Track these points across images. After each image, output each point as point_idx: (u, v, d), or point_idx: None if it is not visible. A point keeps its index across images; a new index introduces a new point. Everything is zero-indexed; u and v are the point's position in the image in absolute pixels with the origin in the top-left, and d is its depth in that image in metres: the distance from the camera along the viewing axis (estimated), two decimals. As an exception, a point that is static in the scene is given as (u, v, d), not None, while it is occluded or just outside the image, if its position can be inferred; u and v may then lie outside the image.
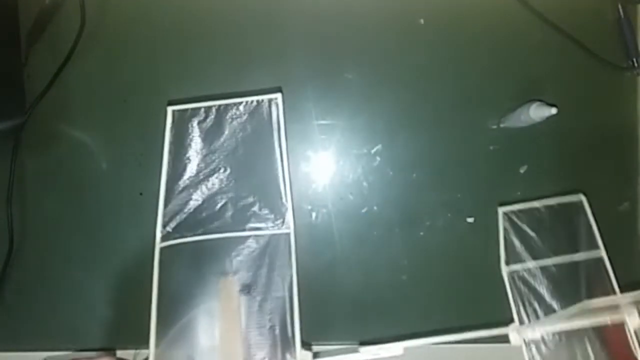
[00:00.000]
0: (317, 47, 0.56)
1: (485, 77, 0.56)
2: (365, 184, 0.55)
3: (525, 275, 0.46)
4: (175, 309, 0.44)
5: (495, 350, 0.53)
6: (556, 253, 0.45)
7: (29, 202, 0.54)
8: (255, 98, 0.48)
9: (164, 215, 0.47)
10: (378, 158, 0.56)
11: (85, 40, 0.53)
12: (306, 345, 0.43)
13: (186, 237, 0.46)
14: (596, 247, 0.44)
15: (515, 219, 0.48)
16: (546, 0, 0.56)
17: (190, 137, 0.48)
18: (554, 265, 0.45)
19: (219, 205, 0.47)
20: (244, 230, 0.47)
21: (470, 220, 0.56)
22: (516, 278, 0.45)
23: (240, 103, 0.48)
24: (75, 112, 0.55)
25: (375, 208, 0.55)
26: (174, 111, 0.48)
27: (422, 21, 0.56)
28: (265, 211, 0.47)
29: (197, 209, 0.47)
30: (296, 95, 0.55)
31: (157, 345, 0.43)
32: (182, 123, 0.48)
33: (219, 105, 0.48)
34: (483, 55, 0.56)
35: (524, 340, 0.41)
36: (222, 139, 0.48)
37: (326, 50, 0.56)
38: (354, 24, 0.56)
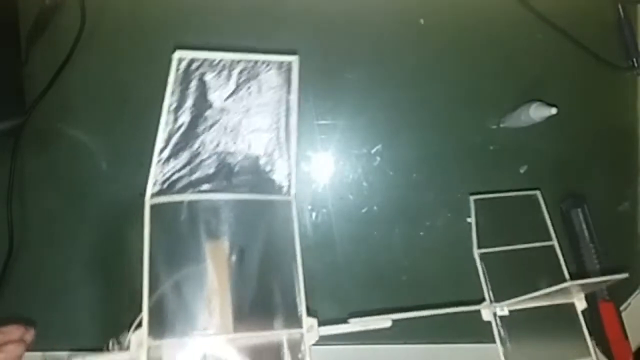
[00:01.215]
0: (317, 47, 0.55)
1: (485, 77, 0.56)
2: (365, 184, 0.55)
3: (494, 257, 0.51)
4: (163, 271, 0.41)
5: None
6: (520, 240, 0.51)
7: (29, 202, 0.54)
8: (269, 58, 0.44)
9: (158, 171, 0.44)
10: (378, 158, 0.56)
11: (85, 40, 0.53)
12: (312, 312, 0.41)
13: (180, 195, 0.43)
14: (550, 238, 0.51)
15: (486, 207, 0.53)
16: (546, 0, 0.56)
17: (195, 89, 0.43)
18: (518, 251, 0.50)
19: (217, 165, 0.44)
20: (242, 193, 0.44)
21: (470, 220, 0.55)
22: (487, 260, 0.51)
23: (254, 61, 0.43)
24: (75, 112, 0.55)
25: (375, 208, 0.55)
26: (180, 58, 0.43)
27: (422, 21, 0.56)
28: (267, 175, 0.44)
29: (195, 166, 0.44)
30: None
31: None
32: (187, 73, 0.43)
33: (231, 60, 0.44)
34: (483, 55, 0.56)
35: (494, 316, 0.46)
36: (229, 96, 0.44)
37: (326, 50, 0.55)
38: (354, 23, 0.56)
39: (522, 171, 0.56)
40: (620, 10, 0.56)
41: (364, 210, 0.55)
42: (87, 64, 0.54)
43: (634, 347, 0.54)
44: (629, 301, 0.56)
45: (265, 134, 0.44)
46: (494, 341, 0.46)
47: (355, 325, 0.43)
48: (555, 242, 0.51)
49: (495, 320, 0.46)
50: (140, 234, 0.52)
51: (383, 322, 0.43)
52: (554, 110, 0.48)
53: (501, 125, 0.56)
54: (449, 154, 0.56)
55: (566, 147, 0.56)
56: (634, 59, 0.56)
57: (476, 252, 0.51)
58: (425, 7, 0.56)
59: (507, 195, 0.53)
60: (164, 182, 0.44)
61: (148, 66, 0.55)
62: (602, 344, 0.54)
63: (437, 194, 0.56)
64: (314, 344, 0.39)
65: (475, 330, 0.55)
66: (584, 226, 0.54)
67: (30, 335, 0.44)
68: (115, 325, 0.53)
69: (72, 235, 0.54)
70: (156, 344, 0.38)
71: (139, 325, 0.38)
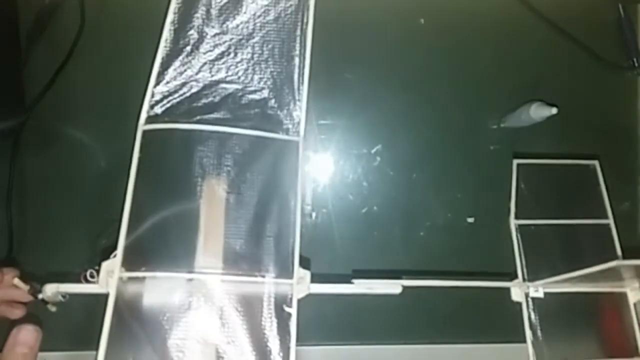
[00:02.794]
0: (317, 47, 0.55)
1: (485, 77, 0.56)
2: (365, 184, 0.55)
3: (533, 231, 0.45)
4: (149, 202, 0.37)
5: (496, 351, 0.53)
6: (566, 215, 0.44)
7: (29, 202, 0.54)
8: None
9: (154, 95, 0.40)
10: (378, 158, 0.56)
11: (85, 40, 0.53)
12: (305, 263, 0.37)
13: (177, 123, 0.38)
14: (605, 215, 0.45)
15: (529, 174, 0.47)
16: (546, 0, 0.56)
17: (200, 8, 0.39)
18: (563, 226, 0.44)
19: (221, 95, 0.40)
20: (245, 128, 0.39)
21: (470, 220, 0.55)
22: (523, 233, 0.45)
23: None
24: (75, 112, 0.55)
25: (375, 208, 0.55)
26: None
27: (422, 21, 0.56)
28: (274, 112, 0.40)
29: (195, 94, 0.39)
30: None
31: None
32: None
33: None
34: (483, 55, 0.56)
35: (526, 297, 0.41)
36: (237, 20, 0.40)
37: (326, 50, 0.55)
38: (354, 23, 0.56)
39: (522, 171, 0.56)
40: (621, 10, 0.56)
41: (364, 210, 0.55)
42: (87, 64, 0.54)
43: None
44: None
45: (276, 66, 0.40)
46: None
47: (360, 286, 0.38)
48: (610, 220, 0.45)
49: (527, 302, 0.40)
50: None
51: (392, 287, 0.38)
52: (554, 110, 0.48)
53: (501, 125, 0.56)
54: (449, 154, 0.56)
55: (566, 147, 0.56)
56: (634, 59, 0.56)
57: (513, 222, 0.46)
58: (425, 7, 0.56)
59: (556, 162, 0.47)
60: (160, 107, 0.40)
61: (148, 66, 0.55)
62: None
63: (437, 194, 0.55)
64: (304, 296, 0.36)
65: (475, 331, 0.56)
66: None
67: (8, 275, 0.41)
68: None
69: (72, 235, 0.54)
70: (128, 275, 0.34)
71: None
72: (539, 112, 0.49)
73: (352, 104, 0.55)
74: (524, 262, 0.43)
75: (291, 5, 0.41)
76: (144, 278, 0.35)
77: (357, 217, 0.55)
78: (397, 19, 0.56)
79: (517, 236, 0.45)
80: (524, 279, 0.42)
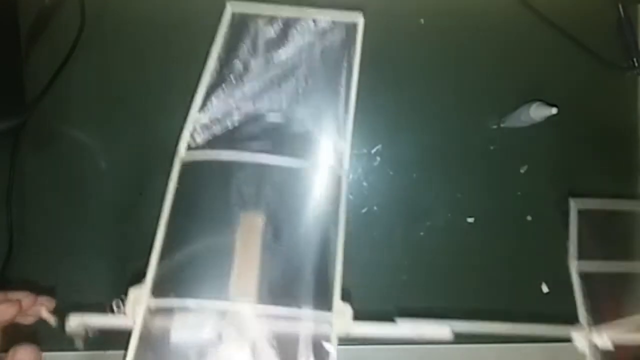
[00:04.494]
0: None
1: (485, 77, 0.56)
2: (365, 184, 0.55)
3: (593, 274, 0.43)
4: (185, 233, 0.37)
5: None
6: (625, 256, 0.43)
7: (29, 202, 0.54)
8: (332, 16, 0.40)
9: (195, 124, 0.40)
10: (378, 158, 0.56)
11: (85, 40, 0.53)
12: (346, 296, 0.36)
13: (217, 152, 0.38)
14: None
15: (588, 214, 0.45)
16: (546, 0, 0.56)
17: (246, 41, 0.40)
18: (623, 269, 0.42)
19: (263, 126, 0.39)
20: (287, 159, 0.38)
21: (470, 220, 0.55)
22: (583, 276, 0.43)
23: (312, 19, 0.40)
24: (75, 112, 0.55)
25: (375, 208, 0.55)
26: (234, 13, 0.40)
27: (422, 21, 0.56)
28: (317, 145, 0.39)
29: (237, 124, 0.39)
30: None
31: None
32: (240, 25, 0.40)
33: (289, 18, 0.40)
34: (483, 55, 0.56)
35: (590, 345, 0.38)
36: (283, 54, 0.39)
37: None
38: (354, 24, 0.55)
39: (522, 171, 0.56)
40: (621, 10, 0.56)
41: (364, 210, 0.55)
42: (87, 64, 0.54)
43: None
44: (629, 301, 0.56)
45: (320, 98, 0.40)
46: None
47: (404, 326, 0.37)
48: None
49: (593, 353, 0.36)
50: (140, 234, 0.51)
51: (441, 330, 0.36)
52: (554, 110, 0.48)
53: (501, 125, 0.56)
54: (449, 154, 0.56)
55: (566, 147, 0.56)
56: (634, 59, 0.56)
57: (573, 265, 0.43)
58: (425, 7, 0.56)
59: (621, 207, 0.46)
60: (200, 136, 0.39)
61: (148, 66, 0.55)
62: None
63: (437, 194, 0.56)
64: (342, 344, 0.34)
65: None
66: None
67: (27, 301, 0.40)
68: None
69: (72, 235, 0.54)
70: (157, 303, 0.33)
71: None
72: (539, 112, 0.49)
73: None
74: (586, 306, 0.41)
75: (338, 39, 0.41)
76: (172, 310, 0.33)
77: (357, 217, 0.55)
78: (397, 19, 0.56)
79: (578, 280, 0.42)
80: (588, 326, 0.38)
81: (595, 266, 0.42)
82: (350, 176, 0.55)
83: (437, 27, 0.56)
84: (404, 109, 0.56)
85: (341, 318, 0.34)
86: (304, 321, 0.34)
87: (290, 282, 0.35)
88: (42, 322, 0.53)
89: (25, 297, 0.39)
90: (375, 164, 0.56)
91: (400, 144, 0.56)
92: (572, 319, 0.54)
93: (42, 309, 0.40)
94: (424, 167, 0.55)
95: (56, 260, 0.54)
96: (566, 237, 0.56)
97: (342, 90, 0.40)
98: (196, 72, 0.55)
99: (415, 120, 0.56)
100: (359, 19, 0.41)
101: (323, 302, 0.34)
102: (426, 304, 0.55)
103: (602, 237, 0.44)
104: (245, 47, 0.40)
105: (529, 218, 0.56)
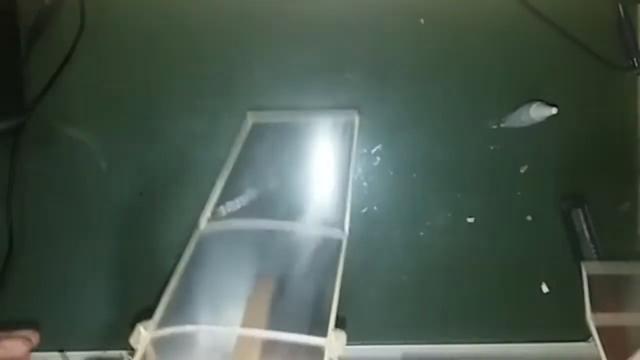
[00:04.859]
0: (318, 47, 0.55)
1: (485, 77, 0.56)
2: (365, 184, 0.55)
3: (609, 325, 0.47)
4: (196, 296, 0.40)
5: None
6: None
7: (28, 202, 0.54)
8: (334, 117, 0.49)
9: (211, 210, 0.46)
10: (378, 158, 0.56)
11: (85, 41, 0.53)
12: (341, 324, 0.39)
13: (232, 222, 0.44)
14: None
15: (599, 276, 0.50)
16: (546, 0, 0.56)
17: (260, 140, 0.48)
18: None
19: (273, 207, 0.46)
20: (293, 229, 0.44)
21: (470, 220, 0.55)
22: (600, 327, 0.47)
23: (317, 121, 0.49)
24: (75, 112, 0.55)
25: (375, 208, 0.55)
26: (254, 124, 0.49)
27: (422, 21, 0.56)
28: (321, 212, 0.46)
29: (250, 205, 0.46)
30: (296, 94, 0.55)
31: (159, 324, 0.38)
32: (256, 127, 0.48)
33: (299, 122, 0.49)
34: (483, 55, 0.56)
35: None
36: (290, 147, 0.47)
37: (326, 50, 0.55)
38: (354, 23, 0.56)
39: (522, 171, 0.56)
40: (621, 10, 0.56)
41: (364, 210, 0.55)
42: (87, 64, 0.54)
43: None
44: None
45: (323, 177, 0.47)
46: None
47: None
48: None
49: None
50: (140, 234, 0.52)
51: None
52: (554, 110, 0.48)
53: (501, 125, 0.56)
54: (449, 154, 0.56)
55: (566, 147, 0.56)
56: (634, 59, 0.56)
57: (590, 317, 0.47)
58: (425, 7, 0.56)
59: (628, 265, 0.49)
60: (216, 212, 0.45)
61: (148, 66, 0.55)
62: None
63: (437, 194, 0.55)
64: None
65: (477, 330, 0.56)
66: (585, 226, 0.54)
67: (35, 337, 0.43)
68: (116, 324, 0.53)
69: (71, 235, 0.54)
70: (161, 333, 0.36)
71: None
72: (539, 112, 0.49)
73: (352, 104, 0.55)
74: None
75: (338, 135, 0.49)
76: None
77: (357, 217, 0.55)
78: (397, 19, 0.56)
79: (596, 332, 0.46)
80: None
81: (609, 319, 0.46)
82: (351, 176, 0.55)
83: (437, 27, 0.56)
84: (404, 109, 0.56)
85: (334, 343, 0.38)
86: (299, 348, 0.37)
87: (293, 322, 0.38)
88: (46, 321, 0.53)
89: (32, 335, 0.43)
90: (375, 164, 0.56)
91: (400, 144, 0.56)
92: (572, 319, 0.55)
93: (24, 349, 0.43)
94: (424, 167, 0.55)
95: (56, 261, 0.54)
96: (566, 237, 0.56)
97: (342, 167, 0.46)
98: (196, 72, 0.55)
99: (415, 120, 0.56)
100: (355, 117, 0.47)
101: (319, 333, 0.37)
102: (426, 304, 0.55)
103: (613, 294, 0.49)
104: (257, 143, 0.47)
105: (529, 218, 0.56)
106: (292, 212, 0.45)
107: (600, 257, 0.54)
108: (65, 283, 0.54)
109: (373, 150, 0.56)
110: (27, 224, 0.54)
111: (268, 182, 0.47)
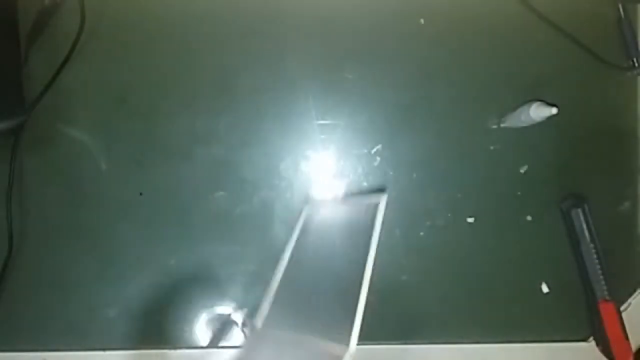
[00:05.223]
0: (317, 47, 0.55)
1: (485, 77, 0.56)
2: (365, 184, 0.55)
3: None
4: None
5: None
6: None
7: (29, 202, 0.54)
8: (367, 200, 0.49)
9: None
10: (378, 158, 0.56)
11: (85, 40, 0.53)
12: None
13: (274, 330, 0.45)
14: None
15: None
16: (547, 0, 0.56)
17: (309, 228, 0.51)
18: None
19: (301, 305, 0.46)
20: (313, 334, 0.43)
21: (470, 220, 0.55)
22: None
23: (353, 203, 0.52)
24: (75, 112, 0.55)
25: (375, 208, 0.55)
26: (308, 214, 0.52)
27: (422, 21, 0.56)
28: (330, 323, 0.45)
29: (286, 304, 0.47)
30: (296, 94, 0.55)
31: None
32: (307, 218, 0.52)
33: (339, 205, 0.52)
34: (483, 55, 0.56)
35: None
36: (329, 234, 0.50)
37: (326, 50, 0.55)
38: (354, 24, 0.56)
39: (522, 171, 0.56)
40: (621, 10, 0.56)
41: (364, 210, 0.55)
42: (87, 64, 0.54)
43: (634, 347, 0.54)
44: (629, 301, 0.56)
45: (345, 272, 0.47)
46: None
47: None
48: None
49: None
50: (140, 234, 0.51)
51: None
52: (554, 110, 0.48)
53: (501, 125, 0.56)
54: (449, 154, 0.56)
55: (566, 147, 0.56)
56: (634, 59, 0.56)
57: None
58: (425, 7, 0.56)
59: None
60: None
61: (148, 66, 0.55)
62: (603, 344, 0.54)
63: (437, 194, 0.55)
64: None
65: (477, 330, 0.56)
66: (585, 226, 0.54)
67: None
68: (115, 323, 0.53)
69: (71, 235, 0.54)
70: None
71: None
72: (539, 112, 0.49)
73: (352, 104, 0.55)
74: None
75: (366, 213, 0.48)
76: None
77: (357, 217, 0.55)
78: (397, 19, 0.56)
79: None
80: None
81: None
82: (351, 176, 0.55)
83: (437, 27, 0.56)
84: (404, 109, 0.56)
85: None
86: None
87: None
88: (46, 321, 0.53)
89: None
90: (375, 164, 0.56)
91: (400, 144, 0.56)
92: (572, 319, 0.55)
93: None
94: (423, 167, 0.55)
95: (56, 260, 0.54)
96: (566, 237, 0.56)
97: (360, 265, 0.46)
98: (196, 72, 0.55)
99: (415, 120, 0.56)
100: (383, 199, 0.47)
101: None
102: (426, 303, 0.55)
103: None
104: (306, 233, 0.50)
105: (529, 218, 0.56)
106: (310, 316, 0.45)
107: (600, 257, 0.54)
108: (65, 283, 0.54)
109: (373, 150, 0.56)
110: (27, 224, 0.54)
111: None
